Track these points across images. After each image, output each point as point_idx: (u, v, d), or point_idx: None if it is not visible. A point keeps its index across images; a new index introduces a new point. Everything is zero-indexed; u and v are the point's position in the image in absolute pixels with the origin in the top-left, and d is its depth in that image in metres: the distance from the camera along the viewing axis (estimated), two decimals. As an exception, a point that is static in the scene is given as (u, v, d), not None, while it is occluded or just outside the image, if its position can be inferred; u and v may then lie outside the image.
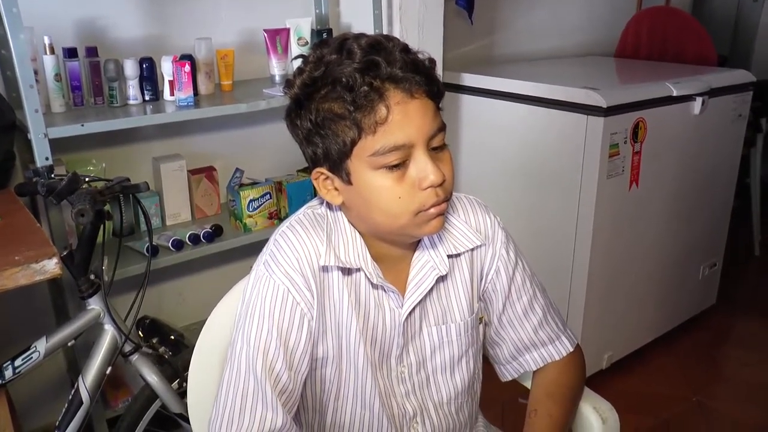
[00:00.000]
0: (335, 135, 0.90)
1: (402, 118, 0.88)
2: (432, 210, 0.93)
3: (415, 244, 1.04)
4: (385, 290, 1.01)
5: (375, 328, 1.02)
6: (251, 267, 2.35)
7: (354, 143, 0.89)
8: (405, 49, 0.91)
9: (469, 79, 2.42)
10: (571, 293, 2.25)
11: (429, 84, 0.91)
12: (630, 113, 2.13)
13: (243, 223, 2.02)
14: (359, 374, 1.02)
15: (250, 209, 2.02)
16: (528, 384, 1.23)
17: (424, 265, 1.03)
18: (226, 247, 1.98)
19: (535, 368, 1.16)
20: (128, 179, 1.37)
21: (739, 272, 3.15)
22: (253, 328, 0.96)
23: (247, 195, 2.01)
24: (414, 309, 1.03)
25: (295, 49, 2.18)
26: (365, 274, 0.99)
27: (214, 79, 2.05)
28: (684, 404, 2.32)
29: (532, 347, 1.15)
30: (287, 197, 2.08)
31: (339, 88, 0.88)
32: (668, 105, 2.26)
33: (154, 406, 1.51)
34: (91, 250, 1.35)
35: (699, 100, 2.32)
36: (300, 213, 1.04)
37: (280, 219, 2.10)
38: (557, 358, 1.15)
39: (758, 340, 2.73)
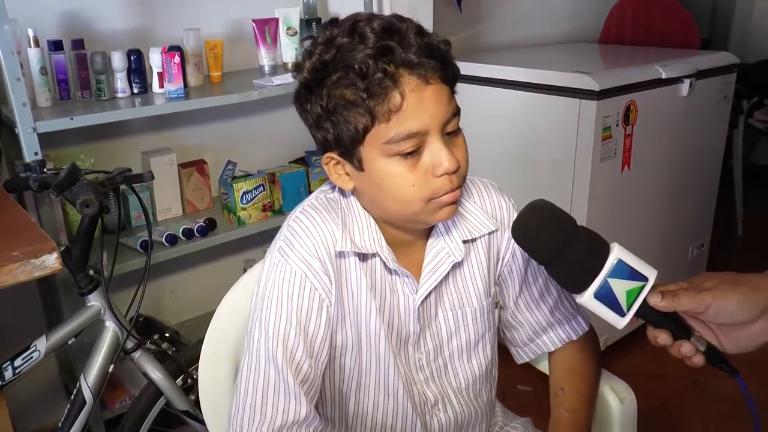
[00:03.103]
0: (347, 122, 0.87)
1: (417, 105, 0.85)
2: (445, 197, 0.91)
3: (429, 230, 1.02)
4: (399, 275, 0.99)
5: (392, 314, 1.00)
6: (245, 260, 2.31)
7: (367, 130, 0.87)
8: (419, 31, 0.88)
9: (461, 67, 2.39)
10: (566, 278, 2.25)
11: (444, 69, 0.88)
12: (621, 96, 2.14)
13: (237, 216, 1.98)
14: (381, 361, 1.00)
15: (244, 202, 1.98)
16: (540, 366, 1.23)
17: (440, 251, 1.01)
18: (220, 240, 1.95)
19: (553, 349, 1.15)
20: (130, 169, 1.33)
21: (724, 252, 3.19)
22: (270, 316, 0.93)
23: (241, 187, 1.98)
24: (429, 295, 1.01)
25: (284, 39, 2.15)
26: (381, 258, 0.97)
27: (203, 71, 2.01)
28: (681, 383, 2.34)
29: (549, 328, 1.14)
30: (281, 189, 2.05)
31: (351, 75, 0.84)
32: (657, 88, 2.27)
33: (159, 404, 1.47)
34: (89, 244, 1.31)
35: (687, 82, 2.33)
36: (312, 198, 1.01)
37: (274, 212, 2.07)
38: (574, 337, 1.14)
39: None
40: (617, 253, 0.81)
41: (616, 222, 2.28)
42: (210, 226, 1.93)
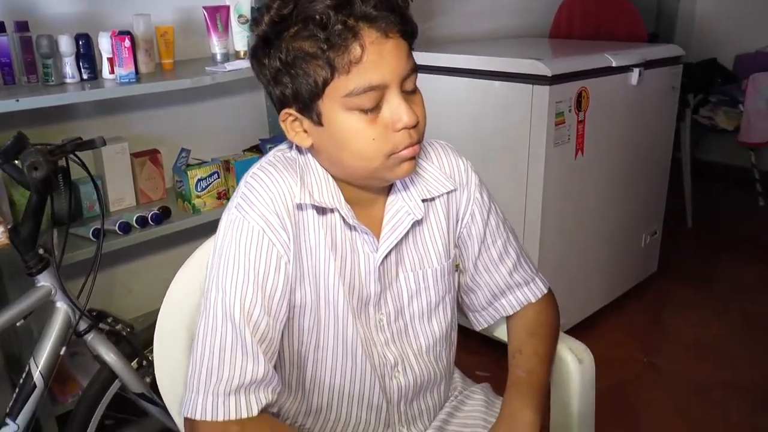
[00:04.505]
0: (306, 75, 0.87)
1: (377, 58, 0.86)
2: (405, 152, 0.91)
3: (388, 188, 1.02)
4: (359, 232, 0.98)
5: (353, 274, 0.99)
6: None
7: (326, 83, 0.87)
8: None
9: (414, 57, 2.42)
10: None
11: (403, 23, 0.89)
12: (573, 82, 2.17)
13: (191, 204, 1.95)
14: (339, 320, 0.99)
15: (198, 189, 1.95)
16: (498, 333, 1.23)
17: (399, 210, 1.01)
18: (175, 229, 1.91)
19: (511, 312, 1.15)
20: (80, 138, 1.29)
21: (674, 242, 3.27)
22: (228, 274, 0.92)
23: (195, 175, 1.94)
24: (389, 254, 1.01)
25: (235, 28, 2.12)
26: (340, 214, 0.96)
27: (154, 58, 1.97)
28: (636, 366, 2.38)
29: (508, 290, 1.14)
30: (236, 176, 2.02)
31: (311, 26, 0.84)
32: (608, 75, 2.32)
33: (113, 388, 1.43)
34: (38, 223, 1.26)
35: (636, 71, 2.39)
36: (270, 155, 1.00)
37: (229, 199, 2.03)
38: (533, 300, 1.15)
39: (697, 304, 2.84)
40: None
41: (571, 207, 2.32)
42: (164, 215, 1.89)
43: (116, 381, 1.42)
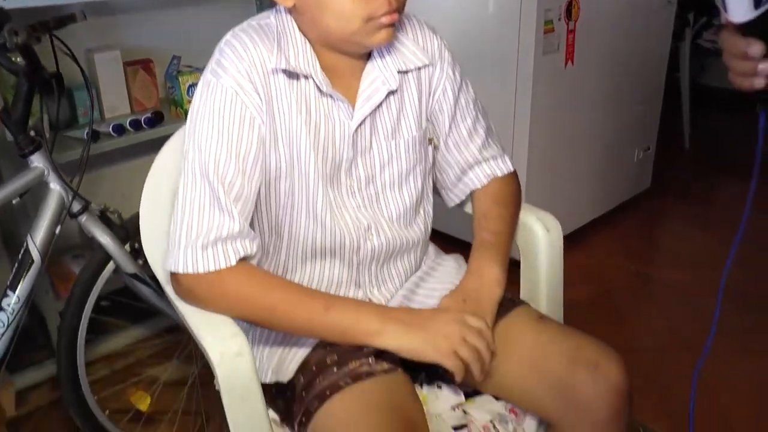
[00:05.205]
0: None
1: None
2: (384, 18, 0.94)
3: (365, 58, 1.05)
4: (334, 99, 1.02)
5: (326, 139, 1.03)
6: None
7: None
8: None
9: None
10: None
11: None
12: (563, -9, 2.17)
13: (184, 110, 1.99)
14: (310, 186, 1.03)
15: (190, 95, 2.00)
16: (468, 208, 1.25)
17: (375, 80, 1.05)
18: (168, 132, 1.92)
19: (479, 185, 1.20)
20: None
21: (670, 161, 3.29)
22: (203, 134, 0.96)
23: (186, 80, 1.99)
24: (364, 122, 1.04)
25: (226, -63, 2.13)
26: (315, 81, 1.00)
27: (143, -35, 1.99)
28: (623, 273, 2.45)
29: (476, 165, 1.19)
30: (228, 84, 2.06)
31: None
32: (600, -15, 2.31)
33: (107, 270, 1.49)
34: (28, 105, 1.32)
35: (629, -19, 2.38)
36: (244, 23, 1.03)
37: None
38: (499, 174, 1.20)
39: (690, 220, 2.89)
40: None
41: (560, 117, 2.34)
42: (157, 119, 1.94)
43: (110, 264, 1.49)
